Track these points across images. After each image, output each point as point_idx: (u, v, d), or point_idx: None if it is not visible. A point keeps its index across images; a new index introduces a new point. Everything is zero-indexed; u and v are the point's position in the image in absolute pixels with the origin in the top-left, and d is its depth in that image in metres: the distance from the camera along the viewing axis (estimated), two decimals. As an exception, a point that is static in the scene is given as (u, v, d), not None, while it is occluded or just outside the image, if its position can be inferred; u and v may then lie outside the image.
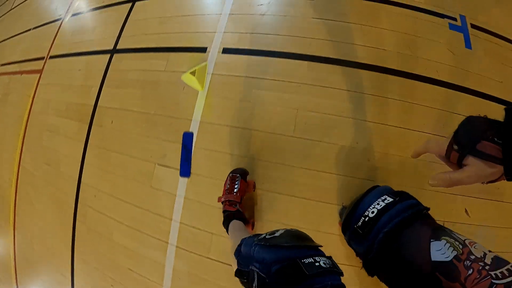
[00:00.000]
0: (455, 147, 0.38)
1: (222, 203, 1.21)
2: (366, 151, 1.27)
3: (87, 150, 1.75)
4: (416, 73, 1.37)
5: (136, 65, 1.69)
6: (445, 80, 1.37)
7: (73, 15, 2.37)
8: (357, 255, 0.55)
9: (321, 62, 1.39)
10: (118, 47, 1.85)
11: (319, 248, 0.53)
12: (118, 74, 1.76)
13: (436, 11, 1.51)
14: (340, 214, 1.22)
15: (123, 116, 1.64)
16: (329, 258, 0.50)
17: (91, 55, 1.98)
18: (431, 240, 0.44)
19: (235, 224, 1.09)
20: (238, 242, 0.63)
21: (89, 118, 1.78)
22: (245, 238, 0.62)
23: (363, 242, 0.51)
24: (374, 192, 0.56)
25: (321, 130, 1.31)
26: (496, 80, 1.42)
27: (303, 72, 1.37)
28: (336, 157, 1.27)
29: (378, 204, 0.52)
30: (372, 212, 0.51)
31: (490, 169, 0.35)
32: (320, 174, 1.26)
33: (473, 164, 0.36)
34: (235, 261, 0.60)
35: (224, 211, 1.17)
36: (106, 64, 1.84)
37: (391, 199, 0.51)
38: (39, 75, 2.36)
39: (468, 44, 1.46)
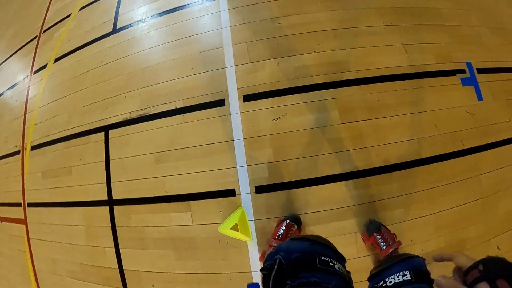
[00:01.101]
0: (481, 267, 0.40)
1: (271, 246, 1.21)
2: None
3: (134, 312, 1.61)
4: (449, 151, 1.37)
5: (154, 221, 1.47)
6: (469, 147, 1.39)
7: (33, 148, 1.93)
8: None
9: (356, 177, 1.33)
10: (114, 197, 1.57)
11: (343, 259, 0.57)
12: (134, 233, 1.52)
13: (447, 68, 1.44)
14: (366, 227, 1.29)
15: (165, 278, 1.47)
16: (349, 272, 0.54)
17: (84, 207, 1.68)
18: None
19: None
20: None
21: (120, 282, 1.59)
22: None
23: None
24: (405, 263, 0.61)
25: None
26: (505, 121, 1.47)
27: (344, 193, 1.31)
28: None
29: (397, 277, 0.58)
30: (390, 282, 0.58)
31: None
32: None
33: None
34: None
35: None
36: (109, 219, 1.58)
37: (409, 278, 0.57)
38: (24, 226, 1.98)
39: (479, 96, 1.46)
